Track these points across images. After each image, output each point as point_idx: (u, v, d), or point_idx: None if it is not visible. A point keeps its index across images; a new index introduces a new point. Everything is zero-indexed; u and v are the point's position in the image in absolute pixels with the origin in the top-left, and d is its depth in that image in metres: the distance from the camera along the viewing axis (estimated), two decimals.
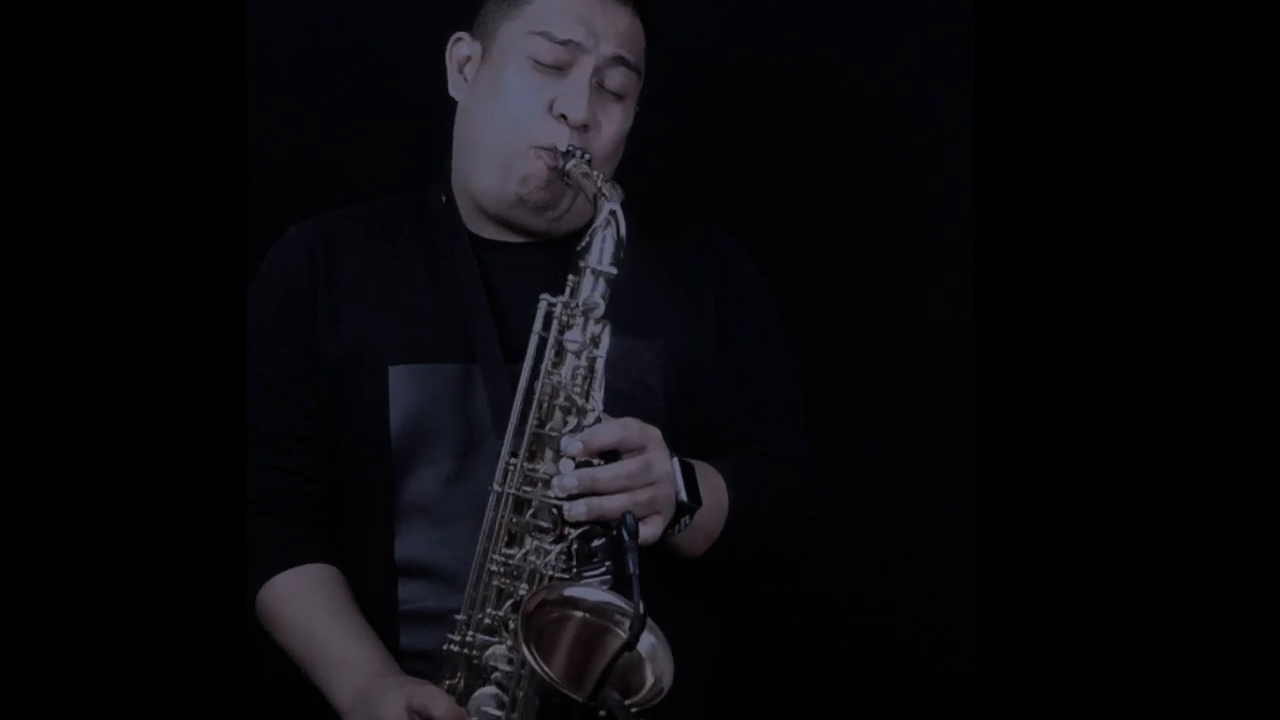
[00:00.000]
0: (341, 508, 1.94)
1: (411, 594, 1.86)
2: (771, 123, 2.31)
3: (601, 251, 1.76)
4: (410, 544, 1.87)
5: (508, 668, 1.71)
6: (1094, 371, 1.60)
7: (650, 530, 1.71)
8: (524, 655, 1.61)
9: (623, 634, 1.65)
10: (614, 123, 1.91)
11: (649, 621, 1.61)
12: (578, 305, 1.76)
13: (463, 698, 1.72)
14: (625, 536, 1.61)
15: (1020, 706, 1.59)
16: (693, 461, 1.80)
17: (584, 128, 1.88)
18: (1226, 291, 1.57)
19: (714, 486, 1.84)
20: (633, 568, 1.59)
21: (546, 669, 1.59)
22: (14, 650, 1.48)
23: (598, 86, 1.89)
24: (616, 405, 1.78)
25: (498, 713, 1.69)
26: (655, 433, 1.74)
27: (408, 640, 1.85)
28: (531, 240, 1.95)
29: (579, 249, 1.77)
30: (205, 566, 1.54)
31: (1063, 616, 1.58)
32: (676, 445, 1.83)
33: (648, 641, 1.64)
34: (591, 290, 1.76)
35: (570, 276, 1.77)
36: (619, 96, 1.92)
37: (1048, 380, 1.61)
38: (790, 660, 2.37)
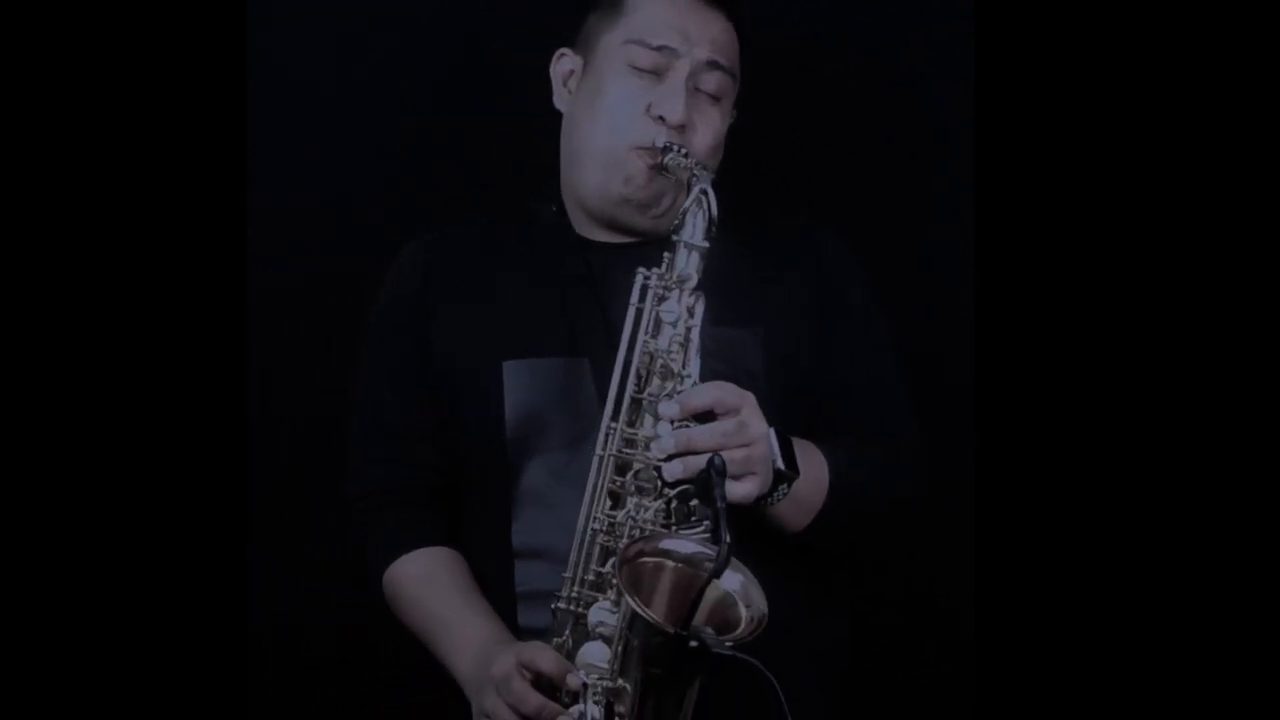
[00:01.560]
0: (459, 497, 2.04)
1: (528, 575, 1.94)
2: (772, 122, 2.35)
3: (694, 228, 1.85)
4: (526, 529, 1.95)
5: (612, 620, 1.77)
6: (1094, 371, 1.62)
7: (744, 489, 1.77)
8: (621, 594, 1.67)
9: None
10: (710, 124, 2.00)
11: (735, 560, 1.66)
12: (673, 277, 1.84)
13: (571, 654, 1.79)
14: (712, 474, 1.67)
15: (1020, 706, 1.61)
16: (791, 436, 1.87)
17: (680, 128, 1.96)
18: (1226, 291, 1.59)
19: (813, 462, 1.90)
20: (719, 501, 1.65)
21: (640, 604, 1.65)
22: (14, 650, 1.52)
23: (693, 90, 1.98)
24: None
25: (603, 665, 1.76)
26: (750, 396, 1.81)
27: (525, 619, 1.93)
28: (638, 240, 2.03)
29: (673, 226, 1.86)
30: (206, 567, 1.59)
31: (1062, 617, 1.60)
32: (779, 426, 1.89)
33: (738, 579, 1.70)
34: (685, 263, 1.85)
35: (665, 254, 1.86)
36: (715, 99, 2.00)
37: (1048, 380, 1.63)
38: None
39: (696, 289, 1.85)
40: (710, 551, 1.73)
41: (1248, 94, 1.61)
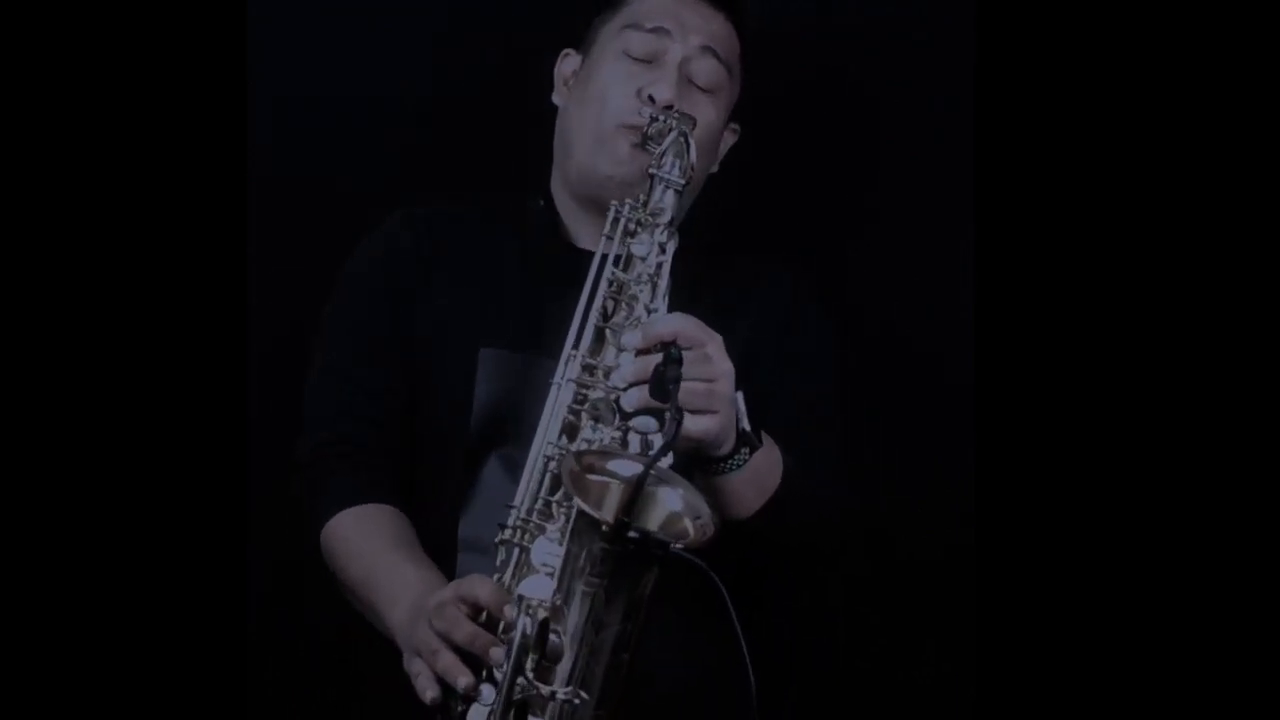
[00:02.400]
0: (411, 478, 1.96)
1: (468, 568, 1.84)
2: (769, 124, 2.36)
3: (671, 165, 1.82)
4: (473, 522, 1.89)
5: (556, 554, 1.68)
6: (1094, 372, 1.60)
7: (704, 424, 1.70)
8: (566, 488, 1.59)
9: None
10: (702, 115, 1.95)
11: (675, 475, 1.61)
12: (646, 210, 1.80)
13: (511, 589, 1.70)
14: (668, 365, 1.61)
15: (1020, 708, 1.57)
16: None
17: (669, 109, 1.94)
18: (1226, 290, 1.58)
19: (771, 445, 1.84)
20: (671, 384, 1.59)
21: (581, 499, 1.57)
22: (14, 650, 1.49)
23: (686, 80, 1.97)
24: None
25: (545, 598, 1.66)
26: (718, 336, 1.75)
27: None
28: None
29: (652, 160, 1.83)
30: (206, 567, 1.56)
31: (1062, 618, 1.56)
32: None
33: (678, 492, 1.62)
34: (660, 198, 1.81)
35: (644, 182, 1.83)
36: (708, 91, 1.99)
37: (1048, 380, 1.61)
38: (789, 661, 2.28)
39: (669, 224, 1.80)
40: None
41: (1248, 94, 1.61)
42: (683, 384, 1.67)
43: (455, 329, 1.95)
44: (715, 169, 2.06)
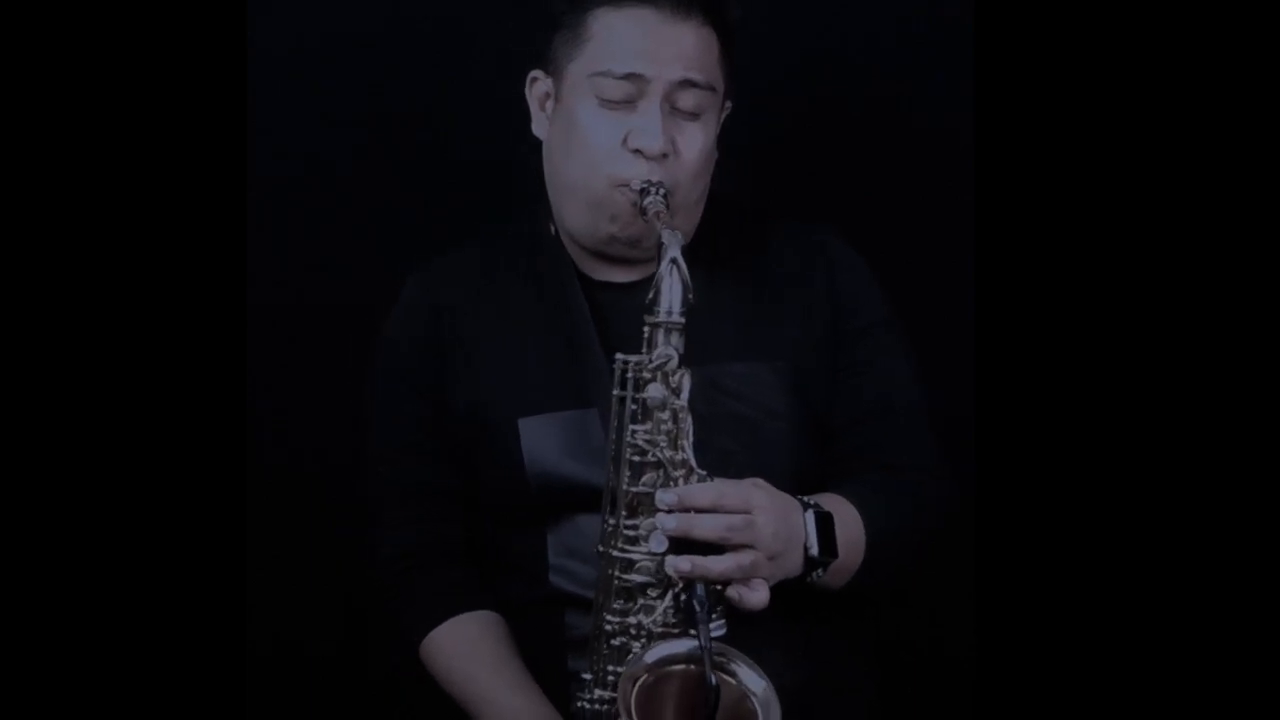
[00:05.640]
0: (487, 550, 1.99)
1: (575, 620, 1.90)
2: (769, 122, 2.26)
3: (670, 302, 1.75)
4: (564, 579, 1.91)
5: None
6: (1094, 372, 1.57)
7: (756, 596, 1.70)
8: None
9: (726, 677, 1.67)
10: (694, 144, 1.89)
11: (755, 666, 1.66)
12: (651, 360, 1.75)
13: None
14: (696, 608, 1.62)
15: (1020, 706, 1.58)
16: (829, 509, 1.79)
17: (662, 157, 1.86)
18: (1226, 290, 1.54)
19: (848, 522, 1.82)
20: (703, 641, 1.60)
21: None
22: (13, 650, 1.52)
23: (670, 111, 1.87)
24: (739, 431, 1.82)
25: None
26: (760, 495, 1.72)
27: (576, 664, 1.88)
28: (638, 278, 1.94)
29: (647, 301, 1.76)
30: (205, 567, 1.57)
31: (1062, 618, 1.56)
32: (801, 466, 1.87)
33: (759, 684, 1.66)
34: (664, 344, 1.75)
35: (645, 328, 1.77)
36: (694, 116, 1.89)
37: (1048, 380, 1.58)
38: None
39: (680, 367, 1.75)
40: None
41: (1248, 94, 1.55)
42: (730, 555, 1.69)
43: (491, 403, 1.94)
44: (715, 155, 1.96)
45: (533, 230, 2.02)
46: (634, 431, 1.76)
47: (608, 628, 1.77)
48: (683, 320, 1.74)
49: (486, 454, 1.94)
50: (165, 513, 1.57)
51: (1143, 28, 1.58)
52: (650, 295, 1.76)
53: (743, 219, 1.98)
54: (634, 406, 1.76)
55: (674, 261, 1.74)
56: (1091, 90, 1.59)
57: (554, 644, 1.92)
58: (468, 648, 1.94)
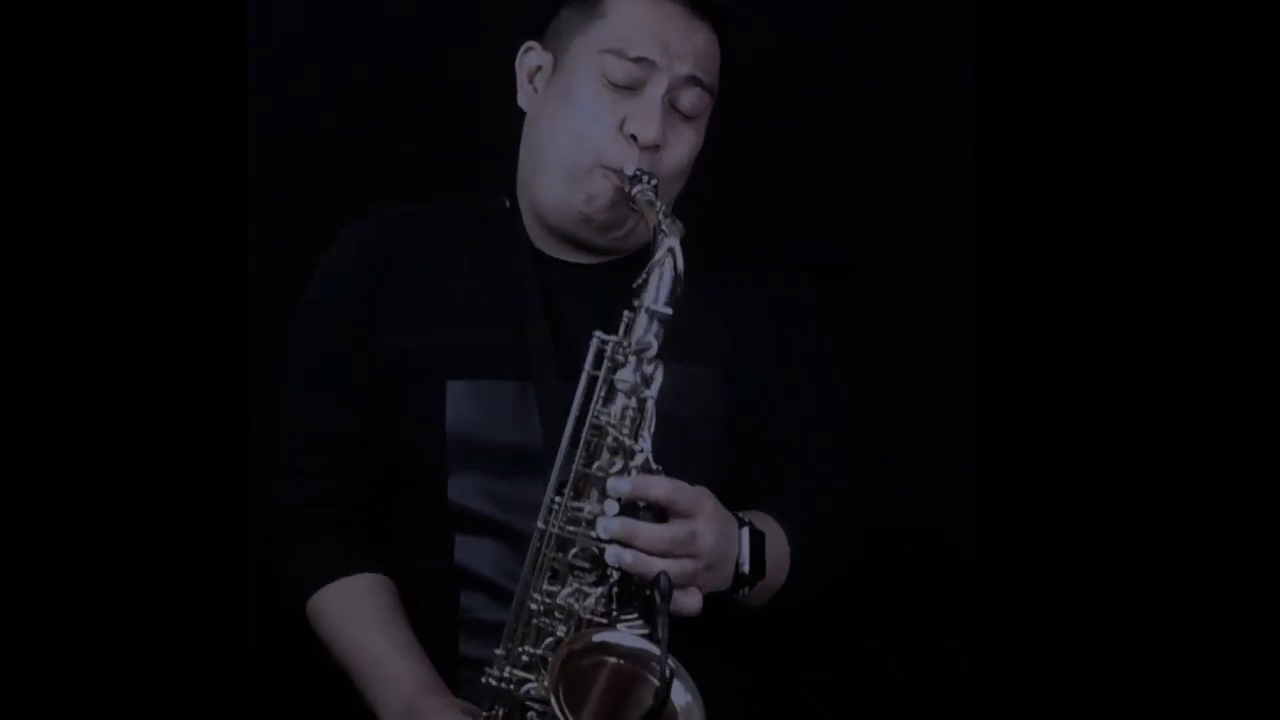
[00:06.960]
0: (394, 511, 1.93)
1: (471, 603, 1.85)
2: (769, 123, 2.28)
3: (658, 290, 1.73)
4: (467, 555, 1.86)
5: (543, 708, 1.70)
6: (1093, 372, 1.57)
7: (690, 602, 1.68)
8: (553, 709, 1.60)
9: (655, 682, 1.64)
10: (684, 143, 1.89)
11: (686, 676, 1.62)
12: (630, 345, 1.73)
13: None
14: (658, 599, 1.59)
15: (1020, 706, 1.58)
16: (761, 527, 1.78)
17: (654, 148, 1.85)
18: (1226, 290, 1.55)
19: (777, 546, 1.82)
20: (661, 632, 1.57)
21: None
22: (13, 650, 1.49)
23: (670, 106, 1.86)
24: (672, 435, 1.75)
25: None
26: (709, 504, 1.70)
27: (468, 648, 1.84)
28: (594, 262, 1.93)
29: (635, 286, 1.73)
30: (205, 566, 1.55)
31: (1062, 618, 1.56)
32: (729, 473, 1.86)
33: (683, 699, 1.63)
34: (645, 330, 1.72)
35: (626, 313, 1.74)
36: (690, 117, 1.88)
37: (1048, 380, 1.59)
38: (789, 661, 2.35)
39: (656, 358, 1.72)
40: (653, 649, 1.65)
41: (1248, 94, 1.57)
42: (671, 561, 1.66)
43: (421, 360, 1.88)
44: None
45: (484, 201, 1.99)
46: (597, 413, 1.72)
47: (533, 606, 1.72)
48: (669, 311, 1.72)
49: (407, 410, 1.89)
50: (165, 513, 1.54)
51: (1144, 28, 1.59)
52: (639, 280, 1.73)
53: (711, 242, 1.97)
54: (603, 389, 1.73)
55: (671, 251, 1.72)
56: (1091, 90, 1.60)
57: (448, 624, 1.86)
58: (357, 608, 1.88)
